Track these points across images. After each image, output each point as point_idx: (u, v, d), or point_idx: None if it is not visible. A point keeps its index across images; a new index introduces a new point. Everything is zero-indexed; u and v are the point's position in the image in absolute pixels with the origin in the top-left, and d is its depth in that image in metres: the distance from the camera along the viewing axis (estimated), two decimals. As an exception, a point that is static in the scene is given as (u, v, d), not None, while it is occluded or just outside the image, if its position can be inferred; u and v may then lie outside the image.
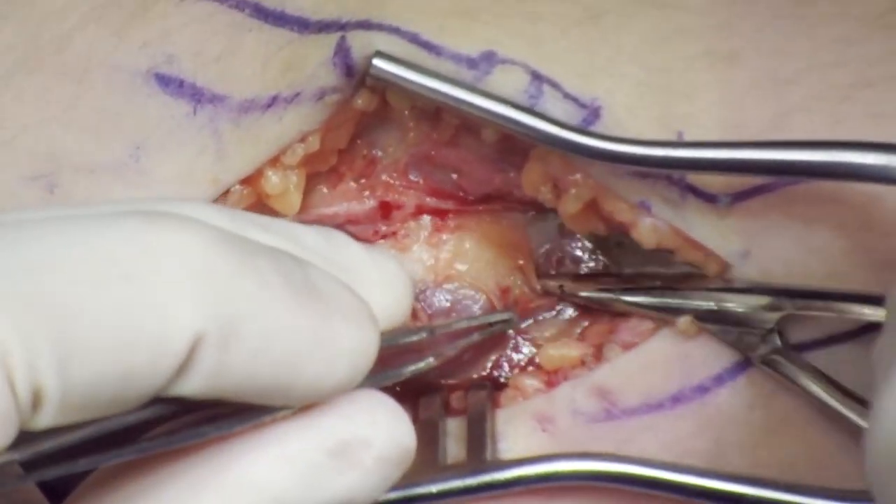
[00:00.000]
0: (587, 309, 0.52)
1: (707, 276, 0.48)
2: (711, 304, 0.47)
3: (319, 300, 0.36)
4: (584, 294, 0.51)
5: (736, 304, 0.46)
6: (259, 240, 0.37)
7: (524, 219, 0.53)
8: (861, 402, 0.45)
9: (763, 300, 0.46)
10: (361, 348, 0.37)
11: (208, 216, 0.37)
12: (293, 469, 0.36)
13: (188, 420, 0.35)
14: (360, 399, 0.38)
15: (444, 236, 0.53)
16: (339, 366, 0.36)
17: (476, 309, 0.53)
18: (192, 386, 0.33)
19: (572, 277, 0.52)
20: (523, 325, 0.53)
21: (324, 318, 0.36)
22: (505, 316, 0.49)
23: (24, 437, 0.31)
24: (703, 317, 0.47)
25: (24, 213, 0.36)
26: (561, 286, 0.51)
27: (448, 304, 0.53)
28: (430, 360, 0.43)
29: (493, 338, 0.51)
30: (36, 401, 0.31)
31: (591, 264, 0.52)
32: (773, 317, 0.46)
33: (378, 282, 0.41)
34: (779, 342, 0.47)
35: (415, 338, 0.43)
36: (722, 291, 0.47)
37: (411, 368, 0.43)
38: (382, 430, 0.38)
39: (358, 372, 0.37)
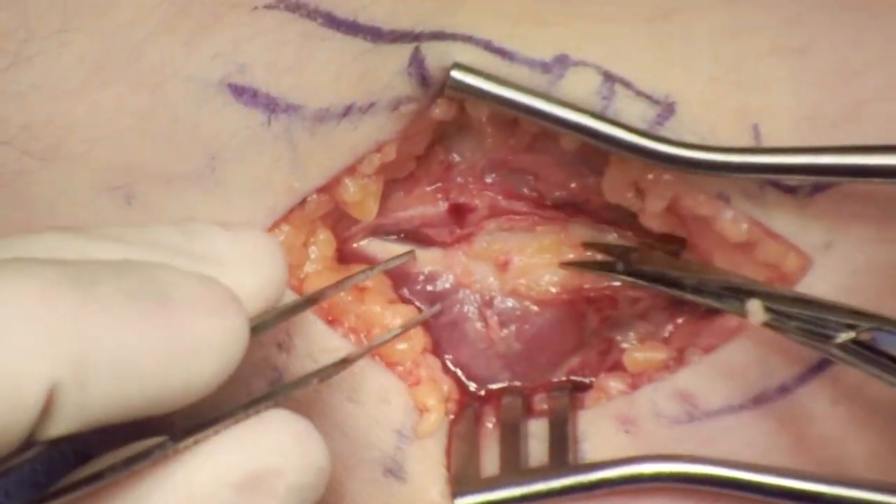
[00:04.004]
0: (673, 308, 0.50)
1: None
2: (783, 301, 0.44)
3: (170, 305, 0.34)
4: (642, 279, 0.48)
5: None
6: (112, 255, 0.36)
7: (594, 233, 0.52)
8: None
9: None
10: (228, 338, 0.35)
11: (55, 246, 0.36)
12: None
13: (88, 472, 0.34)
14: (264, 425, 0.37)
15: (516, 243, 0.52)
16: (207, 363, 0.35)
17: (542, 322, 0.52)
18: (59, 428, 0.32)
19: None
20: (609, 332, 0.52)
21: (178, 322, 0.34)
22: (403, 255, 0.48)
23: None
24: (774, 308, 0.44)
25: None
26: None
27: (518, 312, 0.52)
28: (334, 368, 0.42)
29: (574, 338, 0.51)
30: None
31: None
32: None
33: (244, 262, 0.39)
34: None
35: (298, 311, 0.42)
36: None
37: (318, 377, 0.41)
38: (291, 454, 0.36)
39: (230, 362, 0.35)
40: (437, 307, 0.50)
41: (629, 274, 0.49)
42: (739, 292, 0.45)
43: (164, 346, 0.34)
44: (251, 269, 0.39)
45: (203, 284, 0.36)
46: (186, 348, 0.34)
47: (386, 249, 0.52)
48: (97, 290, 0.33)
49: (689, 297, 0.47)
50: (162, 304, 0.34)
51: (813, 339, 0.43)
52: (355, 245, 0.52)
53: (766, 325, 0.44)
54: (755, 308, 0.44)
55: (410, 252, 0.49)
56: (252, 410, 0.37)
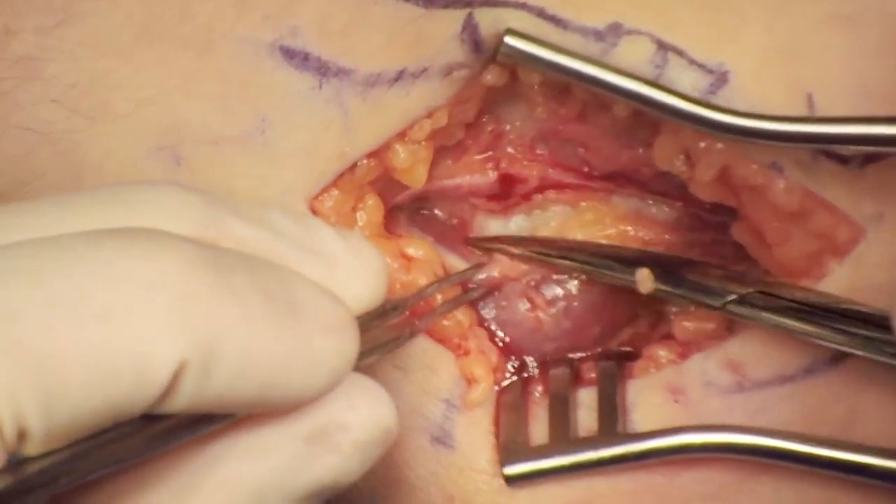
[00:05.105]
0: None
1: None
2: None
3: (298, 314, 0.35)
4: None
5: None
6: (236, 230, 0.36)
7: (637, 204, 0.51)
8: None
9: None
10: (342, 357, 0.36)
11: (182, 211, 0.35)
12: (270, 460, 0.35)
13: (165, 425, 0.34)
14: None
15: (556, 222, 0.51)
16: (320, 376, 0.35)
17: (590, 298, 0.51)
18: (175, 407, 0.32)
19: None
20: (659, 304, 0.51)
21: (303, 332, 0.35)
22: (471, 269, 0.49)
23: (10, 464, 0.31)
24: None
25: None
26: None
27: (565, 291, 0.51)
28: (403, 338, 0.43)
29: (625, 311, 0.50)
30: (21, 437, 0.30)
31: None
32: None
33: (354, 268, 0.39)
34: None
35: (389, 318, 0.42)
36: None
37: (384, 348, 0.42)
38: (360, 412, 0.37)
39: (338, 378, 0.36)
40: (479, 265, 0.50)
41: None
42: (629, 262, 0.47)
43: (287, 353, 0.34)
44: (362, 276, 0.39)
45: (331, 302, 0.37)
46: (306, 360, 0.35)
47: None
48: (234, 280, 0.33)
49: (580, 267, 0.48)
50: (292, 311, 0.35)
51: (701, 302, 0.45)
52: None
53: (657, 292, 0.46)
54: (643, 277, 0.46)
55: (478, 266, 0.50)
56: None
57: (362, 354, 0.38)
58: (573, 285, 0.51)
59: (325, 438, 0.36)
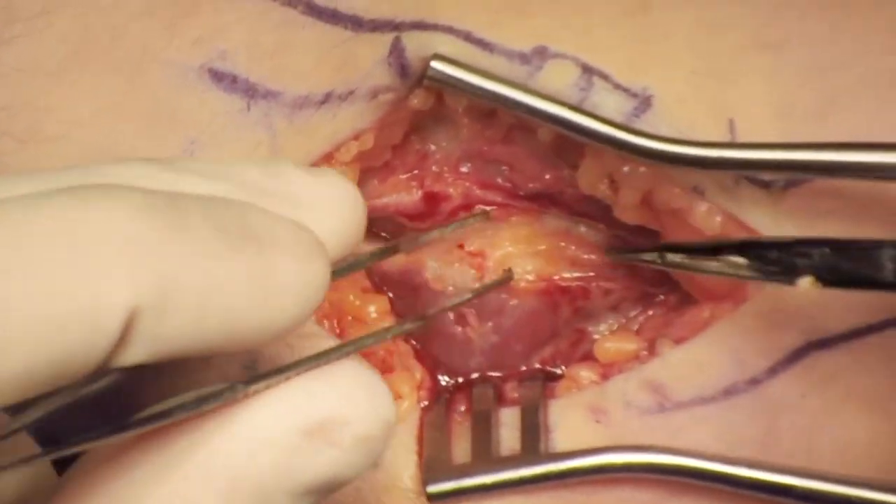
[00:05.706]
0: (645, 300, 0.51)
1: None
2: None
3: (258, 243, 0.33)
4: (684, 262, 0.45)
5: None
6: (196, 189, 0.35)
7: (567, 224, 0.51)
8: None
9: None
10: (308, 282, 0.34)
11: (141, 174, 0.35)
12: (267, 452, 0.34)
13: (154, 391, 0.33)
14: (335, 374, 0.35)
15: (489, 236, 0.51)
16: (287, 304, 0.34)
17: (519, 313, 0.52)
18: (135, 356, 0.31)
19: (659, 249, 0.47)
20: (581, 323, 0.51)
21: (265, 261, 0.33)
22: (478, 216, 0.48)
23: None
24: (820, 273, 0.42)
25: None
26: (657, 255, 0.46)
27: (495, 306, 0.51)
28: (408, 326, 0.42)
29: (548, 328, 0.51)
30: None
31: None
32: None
33: (324, 203, 0.38)
34: None
35: (378, 259, 0.41)
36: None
37: (394, 331, 0.41)
38: (360, 406, 0.35)
39: (309, 306, 0.35)
40: (423, 322, 0.47)
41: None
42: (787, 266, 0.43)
43: (249, 284, 0.33)
44: (330, 212, 0.38)
45: (293, 228, 0.35)
46: (270, 289, 0.33)
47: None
48: (186, 219, 0.32)
49: (742, 273, 0.44)
50: (250, 242, 0.33)
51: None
52: None
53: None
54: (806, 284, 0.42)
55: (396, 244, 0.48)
56: (323, 360, 0.36)
57: (367, 340, 0.38)
58: (504, 298, 0.51)
59: (325, 433, 0.35)
